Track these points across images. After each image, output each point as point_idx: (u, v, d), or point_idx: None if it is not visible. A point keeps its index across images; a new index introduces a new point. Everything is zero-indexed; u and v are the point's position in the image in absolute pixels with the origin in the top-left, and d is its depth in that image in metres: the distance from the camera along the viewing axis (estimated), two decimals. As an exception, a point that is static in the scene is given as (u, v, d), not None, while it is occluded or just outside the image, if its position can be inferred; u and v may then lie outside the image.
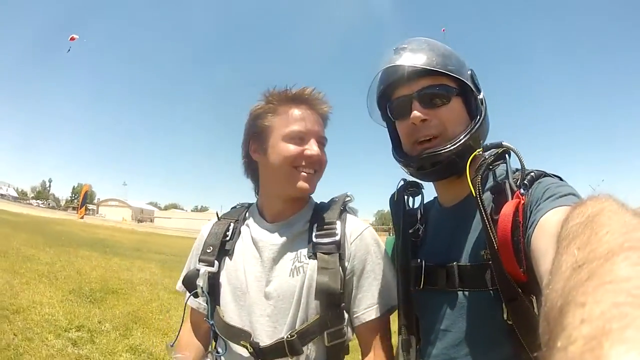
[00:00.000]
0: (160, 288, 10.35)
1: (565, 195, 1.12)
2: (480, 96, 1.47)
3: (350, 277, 1.68)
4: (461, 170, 1.41)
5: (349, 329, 1.69)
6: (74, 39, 71.27)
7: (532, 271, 1.09)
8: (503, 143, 1.34)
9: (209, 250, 1.81)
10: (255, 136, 1.78)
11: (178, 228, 69.69)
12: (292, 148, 1.69)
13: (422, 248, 1.58)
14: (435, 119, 1.43)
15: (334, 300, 1.61)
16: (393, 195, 1.66)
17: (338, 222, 1.72)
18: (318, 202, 1.89)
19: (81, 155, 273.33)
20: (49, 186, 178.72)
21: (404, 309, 1.56)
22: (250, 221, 1.87)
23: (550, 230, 0.96)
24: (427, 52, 1.44)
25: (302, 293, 1.65)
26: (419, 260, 1.52)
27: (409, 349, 1.52)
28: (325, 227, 1.72)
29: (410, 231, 1.61)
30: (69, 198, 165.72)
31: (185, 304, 1.92)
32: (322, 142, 1.77)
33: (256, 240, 1.78)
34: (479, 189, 1.26)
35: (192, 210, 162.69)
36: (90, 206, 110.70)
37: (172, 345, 1.89)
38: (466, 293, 1.37)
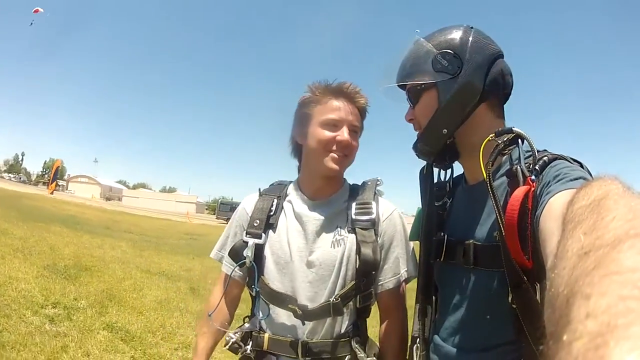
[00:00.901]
0: (132, 267, 10.33)
1: (576, 178, 1.12)
2: (447, 77, 1.45)
3: (380, 249, 1.89)
4: (437, 158, 1.58)
5: (374, 294, 1.92)
6: (37, 11, 69.16)
7: (538, 258, 1.11)
8: (513, 129, 1.35)
9: (255, 224, 1.97)
10: (299, 122, 1.99)
11: (146, 208, 68.68)
12: (325, 133, 1.88)
13: (447, 222, 1.64)
14: (416, 117, 1.56)
15: (372, 269, 1.84)
16: (423, 168, 1.71)
17: (373, 203, 1.95)
18: (352, 184, 2.09)
19: (54, 129, 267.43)
20: (22, 160, 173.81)
21: (423, 279, 1.65)
22: (291, 197, 2.04)
23: (557, 212, 0.96)
24: (399, 68, 1.59)
25: (342, 262, 1.86)
26: (442, 233, 1.59)
27: (424, 317, 1.63)
28: (363, 206, 1.94)
29: (438, 204, 1.68)
30: (40, 173, 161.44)
31: (230, 274, 2.02)
32: (355, 131, 1.94)
33: (300, 215, 1.97)
34: (489, 174, 1.29)
35: (160, 191, 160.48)
36: (61, 182, 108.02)
37: (210, 315, 2.04)
38: (479, 272, 1.42)
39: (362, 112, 1.98)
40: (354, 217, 1.91)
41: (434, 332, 1.60)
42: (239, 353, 1.94)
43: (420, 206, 1.73)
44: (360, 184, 2.07)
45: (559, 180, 1.13)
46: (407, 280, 1.97)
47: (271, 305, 1.91)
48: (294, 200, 2.02)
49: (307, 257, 1.89)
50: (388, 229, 1.96)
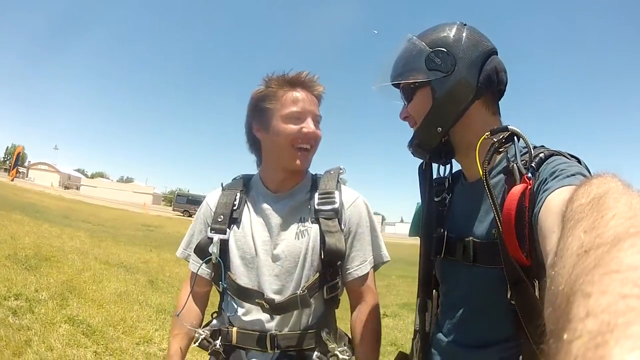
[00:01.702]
0: (91, 258, 10.22)
1: (573, 174, 1.11)
2: (440, 76, 1.43)
3: (345, 238, 1.89)
4: (433, 156, 1.56)
5: (341, 283, 1.92)
6: None
7: (536, 256, 1.12)
8: (508, 127, 1.34)
9: (220, 219, 1.94)
10: (258, 117, 1.94)
11: (103, 198, 67.29)
12: (290, 127, 1.85)
13: (446, 218, 1.62)
14: (410, 114, 1.54)
15: (337, 259, 1.83)
16: (422, 164, 1.67)
17: (336, 192, 1.93)
18: (314, 174, 2.07)
19: (16, 115, 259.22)
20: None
21: (423, 274, 1.63)
22: (254, 191, 2.03)
23: (556, 209, 0.94)
24: (392, 67, 1.57)
25: (307, 253, 1.86)
26: (442, 230, 1.58)
27: (424, 312, 1.62)
28: (325, 195, 1.92)
29: (438, 199, 1.65)
30: (1, 159, 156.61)
31: (196, 272, 2.00)
32: (317, 120, 1.93)
33: (263, 208, 1.95)
34: (485, 172, 1.28)
35: (117, 181, 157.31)
36: (21, 169, 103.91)
37: (178, 315, 2.00)
38: (479, 268, 1.41)
39: (319, 100, 1.97)
40: (317, 207, 1.90)
41: (435, 327, 1.61)
42: (209, 349, 1.92)
43: (420, 202, 1.72)
44: (322, 174, 2.04)
45: (556, 177, 1.12)
46: (375, 267, 1.99)
47: (239, 301, 1.89)
48: (257, 194, 2.01)
49: (272, 250, 1.88)
50: (352, 216, 1.95)
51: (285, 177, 1.97)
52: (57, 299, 6.37)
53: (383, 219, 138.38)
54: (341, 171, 2.04)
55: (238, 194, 2.00)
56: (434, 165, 1.64)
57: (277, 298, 1.83)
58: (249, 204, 2.00)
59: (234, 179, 2.13)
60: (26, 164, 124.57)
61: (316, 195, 1.92)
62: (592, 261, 0.45)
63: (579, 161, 1.25)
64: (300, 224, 1.92)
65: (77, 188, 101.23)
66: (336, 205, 1.90)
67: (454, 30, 1.46)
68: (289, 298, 1.82)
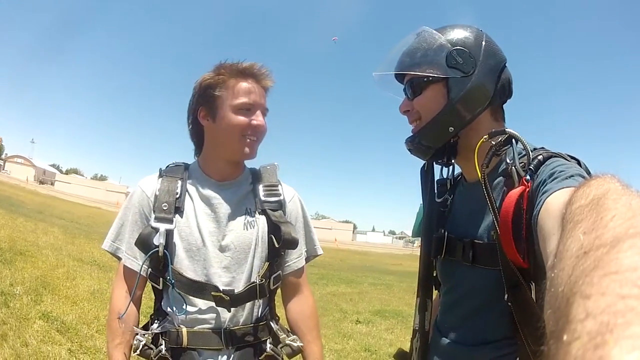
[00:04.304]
0: (65, 254, 9.96)
1: (572, 175, 1.09)
2: (460, 75, 1.38)
3: None
4: (435, 156, 1.50)
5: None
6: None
7: (533, 258, 1.12)
8: (506, 130, 1.32)
9: (165, 208, 1.77)
10: (205, 104, 1.83)
11: (77, 194, 65.89)
12: (241, 118, 1.77)
13: (447, 219, 1.59)
14: (413, 109, 1.47)
15: (293, 246, 1.84)
16: (424, 165, 1.62)
17: (280, 185, 1.95)
18: (250, 167, 2.02)
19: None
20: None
21: (424, 273, 1.59)
22: (195, 180, 1.89)
23: (556, 211, 0.93)
24: (400, 57, 1.50)
25: (257, 244, 1.83)
26: (442, 230, 1.55)
27: (424, 311, 1.58)
28: (271, 188, 1.92)
29: (439, 200, 1.62)
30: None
31: (140, 269, 1.78)
32: (264, 113, 1.85)
33: (208, 197, 1.84)
34: (484, 175, 1.27)
35: (91, 178, 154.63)
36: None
37: (121, 317, 1.76)
38: (478, 269, 1.38)
39: (267, 93, 1.89)
40: (263, 198, 1.88)
41: (435, 326, 1.59)
42: (153, 357, 1.73)
43: (422, 203, 1.68)
44: (258, 168, 2.01)
45: (554, 179, 1.11)
46: (308, 259, 2.04)
47: (187, 297, 1.75)
48: (200, 183, 1.87)
49: (220, 241, 1.79)
50: (292, 211, 1.97)
51: (230, 166, 1.90)
52: (32, 294, 6.20)
53: (355, 227, 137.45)
54: (277, 167, 2.02)
55: (179, 182, 1.85)
56: (436, 167, 1.61)
57: (236, 289, 1.75)
58: (190, 192, 1.86)
59: (169, 166, 1.94)
60: (3, 156, 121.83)
61: (261, 187, 1.91)
62: (592, 263, 0.45)
63: (578, 162, 1.23)
64: (247, 215, 1.87)
65: (52, 183, 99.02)
66: (281, 198, 1.92)
67: (474, 33, 1.42)
68: (249, 287, 1.77)
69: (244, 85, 1.80)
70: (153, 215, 1.77)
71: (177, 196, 1.81)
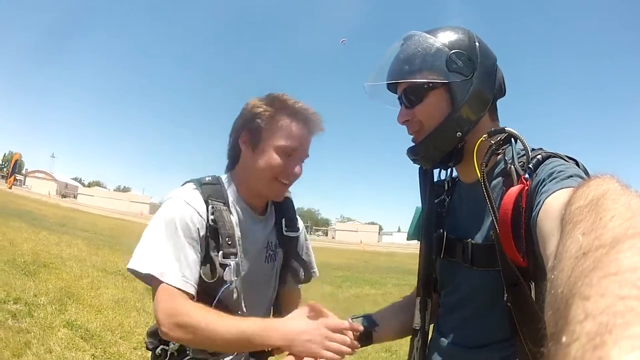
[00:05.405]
0: (89, 265, 10.00)
1: (571, 176, 1.08)
2: (461, 79, 1.34)
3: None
4: (442, 162, 1.47)
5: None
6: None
7: (533, 257, 1.11)
8: (506, 129, 1.31)
9: (230, 242, 1.67)
10: (249, 130, 1.72)
11: (100, 207, 66.68)
12: (280, 161, 1.67)
13: (446, 219, 1.56)
14: (414, 118, 1.41)
15: (298, 283, 2.05)
16: (422, 167, 1.58)
17: (299, 219, 2.01)
18: None
19: (13, 122, 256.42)
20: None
21: (424, 273, 1.56)
22: (235, 207, 1.77)
23: (555, 212, 0.92)
24: (395, 64, 1.43)
25: (274, 277, 1.93)
26: (441, 231, 1.52)
27: (425, 310, 1.55)
28: (292, 223, 1.96)
29: (437, 201, 1.59)
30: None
31: (214, 303, 1.63)
32: (304, 159, 1.78)
33: (247, 232, 1.77)
34: (483, 174, 1.25)
35: (114, 190, 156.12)
36: (19, 176, 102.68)
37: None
38: (477, 270, 1.36)
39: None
40: (285, 233, 1.91)
41: (436, 326, 1.58)
42: None
43: (420, 205, 1.64)
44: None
45: (553, 179, 1.10)
46: (306, 281, 2.12)
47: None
48: (242, 212, 1.79)
49: (246, 272, 1.77)
50: (301, 241, 2.05)
51: (261, 199, 1.86)
52: (56, 304, 6.24)
53: (380, 228, 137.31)
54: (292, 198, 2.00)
55: (227, 210, 1.73)
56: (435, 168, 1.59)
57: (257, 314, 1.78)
58: (233, 221, 1.73)
59: (206, 183, 1.77)
60: (23, 171, 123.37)
61: (283, 222, 1.93)
62: (591, 263, 0.45)
63: (577, 163, 1.22)
64: (269, 247, 1.89)
65: (74, 196, 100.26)
66: (299, 233, 1.99)
67: (466, 34, 1.39)
68: (265, 311, 1.93)
69: (294, 128, 1.70)
70: (217, 249, 1.66)
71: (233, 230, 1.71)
